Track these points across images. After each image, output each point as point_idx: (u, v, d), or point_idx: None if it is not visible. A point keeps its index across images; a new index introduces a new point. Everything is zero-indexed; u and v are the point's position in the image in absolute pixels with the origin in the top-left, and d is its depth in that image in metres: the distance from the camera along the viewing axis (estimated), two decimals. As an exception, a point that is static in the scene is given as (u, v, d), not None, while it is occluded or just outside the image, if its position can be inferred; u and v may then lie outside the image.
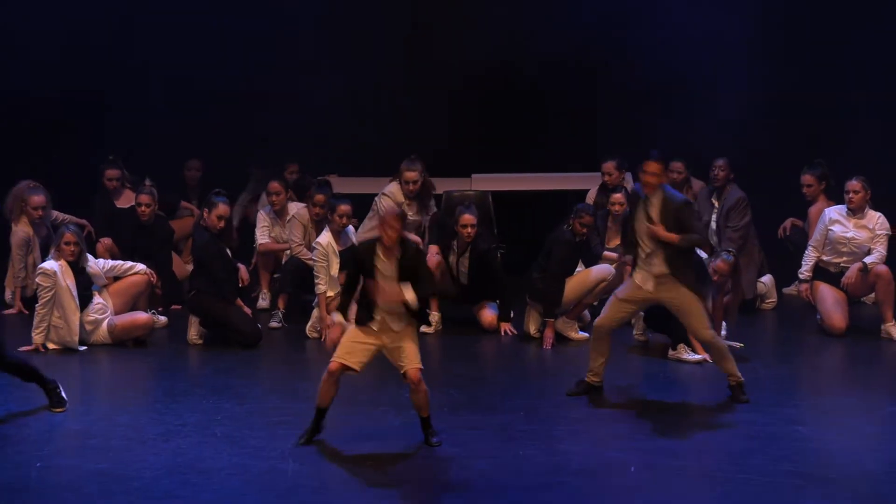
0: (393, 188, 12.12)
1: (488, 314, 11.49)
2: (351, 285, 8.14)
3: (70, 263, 10.67)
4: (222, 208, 10.97)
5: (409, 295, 7.81)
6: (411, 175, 11.99)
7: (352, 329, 8.07)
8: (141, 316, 10.96)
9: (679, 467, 7.72)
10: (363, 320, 8.01)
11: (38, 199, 11.88)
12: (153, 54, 14.41)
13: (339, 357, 8.01)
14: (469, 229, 11.35)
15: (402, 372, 8.03)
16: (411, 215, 11.96)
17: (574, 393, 9.26)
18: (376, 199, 12.16)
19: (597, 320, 9.29)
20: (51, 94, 14.14)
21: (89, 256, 10.97)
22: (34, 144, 14.02)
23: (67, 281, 10.61)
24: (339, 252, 10.99)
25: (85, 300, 10.73)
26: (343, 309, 8.23)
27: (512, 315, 11.44)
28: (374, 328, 8.01)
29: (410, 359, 7.98)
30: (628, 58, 14.41)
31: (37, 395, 8.96)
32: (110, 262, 11.15)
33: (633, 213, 9.08)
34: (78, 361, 10.43)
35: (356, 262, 8.08)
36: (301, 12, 14.47)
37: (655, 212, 8.90)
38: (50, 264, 10.67)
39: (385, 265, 7.90)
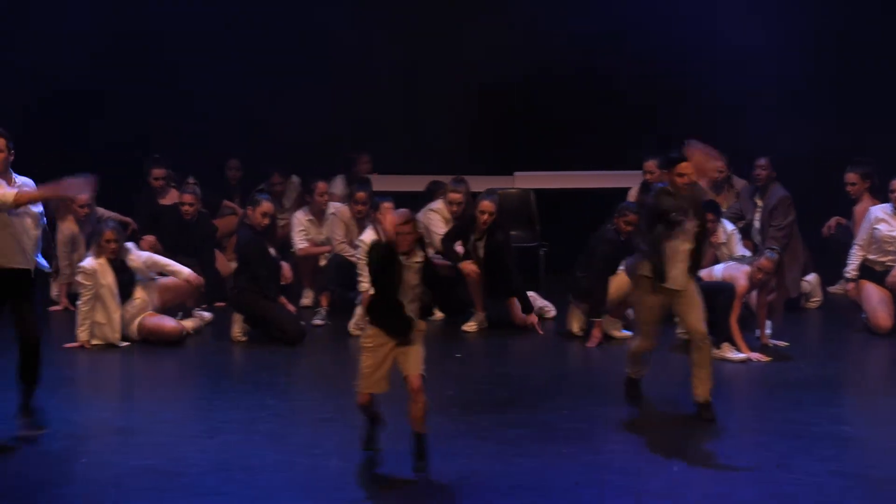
0: (439, 205, 12.09)
1: (518, 311, 11.48)
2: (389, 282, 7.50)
3: (110, 261, 10.72)
4: (266, 206, 11.01)
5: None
6: (455, 196, 11.90)
7: (362, 356, 7.63)
8: (168, 323, 10.89)
9: (722, 467, 7.69)
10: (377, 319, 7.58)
11: (83, 196, 11.88)
12: (190, 55, 14.45)
13: (364, 388, 7.63)
14: (486, 216, 11.34)
15: (403, 377, 7.60)
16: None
17: None
18: (419, 214, 12.08)
19: None
20: (93, 91, 14.22)
21: (131, 247, 10.99)
22: (75, 141, 14.06)
23: (108, 279, 10.66)
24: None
25: (126, 296, 10.77)
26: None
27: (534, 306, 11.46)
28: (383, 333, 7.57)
29: (412, 364, 7.54)
30: (669, 56, 14.35)
31: (81, 391, 8.99)
32: (152, 256, 11.11)
33: None
34: (120, 357, 10.48)
35: (385, 262, 7.46)
36: (338, 14, 14.53)
37: None
38: (89, 262, 10.71)
39: (408, 264, 7.47)
